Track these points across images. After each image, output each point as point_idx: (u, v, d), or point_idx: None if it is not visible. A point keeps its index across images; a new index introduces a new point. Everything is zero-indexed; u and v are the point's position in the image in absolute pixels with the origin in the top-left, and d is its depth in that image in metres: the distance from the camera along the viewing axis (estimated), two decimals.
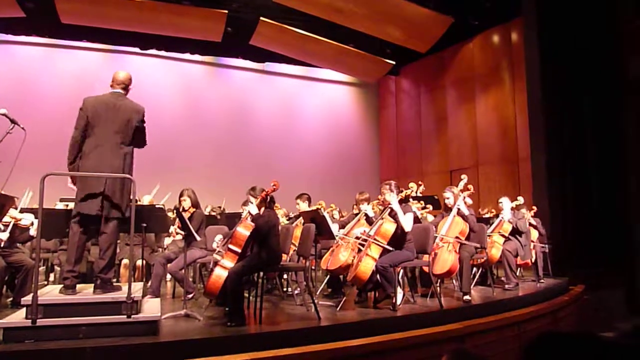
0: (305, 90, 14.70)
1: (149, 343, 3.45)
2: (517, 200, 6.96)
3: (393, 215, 5.02)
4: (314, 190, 7.65)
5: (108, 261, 3.84)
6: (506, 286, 6.24)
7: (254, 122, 13.63)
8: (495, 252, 6.33)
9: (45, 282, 6.30)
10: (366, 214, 5.70)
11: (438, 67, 13.24)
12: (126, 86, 4.12)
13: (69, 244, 3.92)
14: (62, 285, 3.78)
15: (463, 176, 6.28)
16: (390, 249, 4.92)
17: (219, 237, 4.96)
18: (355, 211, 6.37)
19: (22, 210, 5.23)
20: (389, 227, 4.91)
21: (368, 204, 5.92)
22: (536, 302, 5.78)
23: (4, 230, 4.92)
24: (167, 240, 6.31)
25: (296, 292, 5.76)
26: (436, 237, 5.48)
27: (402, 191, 5.26)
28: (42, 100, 11.19)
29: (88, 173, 3.76)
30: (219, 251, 4.84)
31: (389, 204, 5.10)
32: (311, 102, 14.67)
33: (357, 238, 5.27)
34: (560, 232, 8.03)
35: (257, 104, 13.79)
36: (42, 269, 6.51)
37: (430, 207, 7.31)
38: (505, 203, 6.62)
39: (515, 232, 6.51)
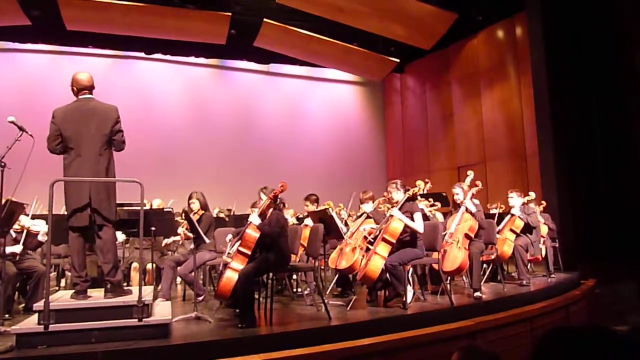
0: (311, 90, 14.69)
1: (160, 346, 3.47)
2: (528, 195, 6.91)
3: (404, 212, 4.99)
4: (321, 190, 7.64)
5: (112, 264, 3.84)
6: (524, 282, 6.18)
7: (260, 123, 13.65)
8: (507, 249, 6.27)
9: (57, 288, 6.34)
10: (366, 212, 5.70)
11: (443, 63, 13.19)
12: (92, 88, 3.98)
13: (70, 250, 3.92)
14: (73, 291, 3.80)
15: (469, 172, 6.25)
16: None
17: (229, 236, 4.97)
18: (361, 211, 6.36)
19: (33, 217, 5.26)
20: (398, 226, 4.89)
21: (372, 202, 5.90)
22: (547, 297, 5.75)
23: (17, 241, 4.95)
24: (166, 240, 6.32)
25: (306, 292, 5.76)
26: (445, 234, 5.47)
27: (408, 190, 5.24)
28: (49, 107, 11.07)
29: (94, 179, 3.76)
30: (228, 253, 4.86)
31: (397, 202, 5.08)
32: (316, 102, 14.67)
33: (365, 238, 5.25)
34: (570, 226, 7.99)
35: (262, 105, 13.81)
36: (53, 274, 6.55)
37: (438, 204, 7.28)
38: (515, 197, 6.56)
39: (527, 228, 6.45)
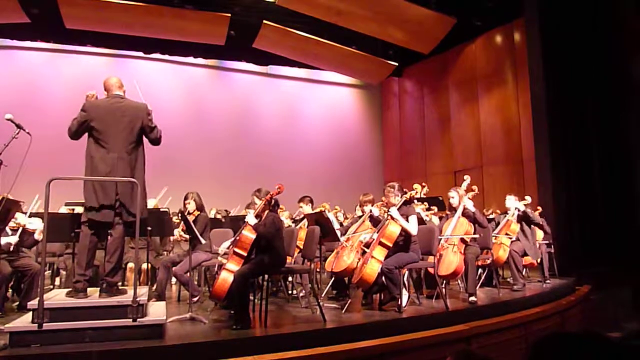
0: (309, 92, 14.71)
1: (154, 346, 3.45)
2: (524, 199, 6.93)
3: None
4: (318, 193, 7.68)
5: (115, 265, 3.85)
6: (515, 287, 6.20)
7: (258, 125, 13.65)
8: (503, 254, 6.27)
9: (51, 286, 6.32)
10: (372, 215, 5.68)
11: (441, 68, 13.23)
12: (122, 87, 4.10)
13: (79, 247, 3.91)
14: (70, 289, 3.78)
15: (466, 176, 6.26)
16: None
17: (226, 243, 4.97)
18: (359, 213, 6.35)
19: (30, 215, 5.25)
20: (395, 229, 4.88)
21: (372, 205, 5.91)
22: (542, 303, 5.75)
23: (13, 234, 4.94)
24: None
25: (301, 294, 5.75)
26: (441, 238, 5.47)
27: (406, 193, 5.24)
28: (47, 105, 11.24)
29: (92, 177, 3.77)
30: (224, 254, 4.85)
31: (394, 205, 5.08)
32: (314, 104, 14.68)
33: (366, 245, 5.23)
34: (565, 232, 8.00)
35: (260, 107, 13.82)
36: (47, 273, 6.53)
37: (435, 208, 7.29)
38: (512, 201, 6.58)
39: (528, 222, 6.48)
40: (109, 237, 3.91)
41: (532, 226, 6.72)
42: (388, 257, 4.88)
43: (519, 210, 6.51)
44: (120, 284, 4.15)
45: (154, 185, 7.91)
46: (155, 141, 4.05)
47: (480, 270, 6.34)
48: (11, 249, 4.85)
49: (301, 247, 5.48)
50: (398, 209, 5.01)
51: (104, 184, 3.79)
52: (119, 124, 3.87)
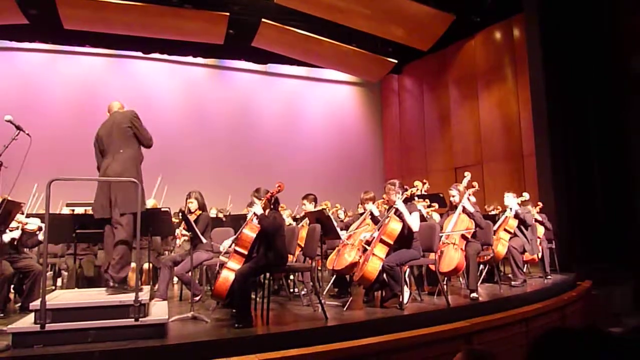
0: (308, 90, 14.70)
1: (157, 346, 3.46)
2: (522, 196, 6.94)
3: (399, 214, 5.01)
4: (319, 191, 7.64)
5: (117, 260, 3.95)
6: (512, 283, 6.23)
7: (257, 124, 13.64)
8: (502, 249, 6.31)
9: (53, 287, 6.33)
10: (372, 213, 5.68)
11: (440, 65, 13.21)
12: (121, 108, 4.44)
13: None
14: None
15: (467, 173, 6.26)
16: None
17: (227, 242, 4.98)
18: (360, 210, 6.35)
19: (29, 216, 5.26)
20: (396, 227, 4.89)
21: (373, 203, 5.91)
22: (543, 299, 5.75)
23: (13, 239, 4.95)
24: (178, 242, 6.36)
25: (303, 292, 5.76)
26: (442, 235, 5.47)
27: (406, 190, 5.24)
28: (46, 106, 11.24)
29: (92, 177, 3.86)
30: (225, 253, 4.85)
31: (394, 203, 5.09)
32: (314, 102, 14.67)
33: (367, 243, 5.24)
34: (566, 227, 8.00)
35: (260, 106, 13.81)
36: (49, 273, 6.53)
37: (435, 205, 7.29)
38: (510, 198, 6.60)
39: (522, 224, 6.49)
40: (112, 235, 4.06)
41: (534, 221, 6.73)
42: (389, 255, 4.89)
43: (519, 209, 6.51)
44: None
45: (153, 185, 7.93)
46: (145, 142, 4.29)
47: (481, 267, 6.35)
48: (16, 243, 4.90)
49: (302, 245, 5.48)
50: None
51: (101, 186, 4.06)
52: (108, 133, 4.20)
